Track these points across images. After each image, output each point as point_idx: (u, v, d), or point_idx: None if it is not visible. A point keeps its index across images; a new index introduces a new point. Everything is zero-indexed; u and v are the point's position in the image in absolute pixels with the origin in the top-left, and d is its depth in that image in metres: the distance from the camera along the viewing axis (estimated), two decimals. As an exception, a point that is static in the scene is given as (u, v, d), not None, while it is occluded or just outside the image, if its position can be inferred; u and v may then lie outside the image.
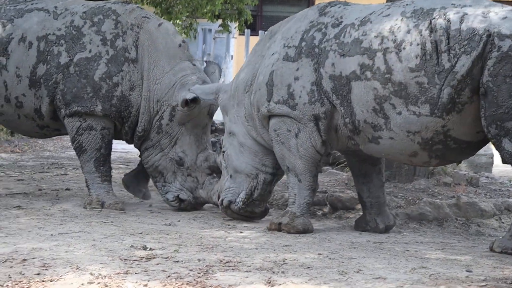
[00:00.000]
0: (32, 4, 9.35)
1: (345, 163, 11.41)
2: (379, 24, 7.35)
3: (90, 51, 8.94)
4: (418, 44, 7.05)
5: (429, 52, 6.98)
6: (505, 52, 6.78)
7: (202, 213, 8.68)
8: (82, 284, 5.29)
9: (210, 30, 27.34)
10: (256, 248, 6.73)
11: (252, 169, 8.20)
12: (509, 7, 7.19)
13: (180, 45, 9.11)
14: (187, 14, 15.41)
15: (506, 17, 6.94)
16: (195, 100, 8.68)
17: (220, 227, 7.77)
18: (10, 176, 11.78)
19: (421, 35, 7.05)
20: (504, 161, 7.00)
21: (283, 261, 6.25)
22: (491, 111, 6.82)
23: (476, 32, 6.88)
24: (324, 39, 7.66)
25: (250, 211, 8.24)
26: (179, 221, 8.05)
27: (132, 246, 6.53)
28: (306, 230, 7.68)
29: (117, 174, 12.26)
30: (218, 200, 8.41)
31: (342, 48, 7.48)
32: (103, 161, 8.97)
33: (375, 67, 7.23)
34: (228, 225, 7.94)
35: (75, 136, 8.93)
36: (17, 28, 9.13)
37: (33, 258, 5.98)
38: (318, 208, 8.67)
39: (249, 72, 8.28)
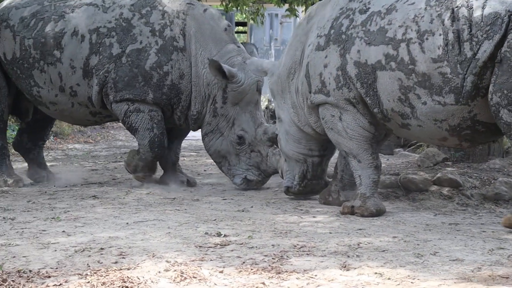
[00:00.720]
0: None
1: (417, 144, 11.37)
2: (404, 13, 7.40)
3: (140, 43, 9.32)
4: (440, 35, 7.09)
5: (451, 42, 7.03)
6: None
7: (274, 198, 8.68)
8: (159, 272, 5.33)
9: (276, 15, 27.35)
10: (330, 233, 6.70)
11: (299, 155, 8.47)
12: None
13: (225, 29, 9.46)
14: (254, 0, 15.43)
15: None
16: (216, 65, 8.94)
17: (293, 212, 7.76)
18: (85, 167, 12.00)
19: (443, 24, 7.09)
20: (502, 131, 7.02)
21: (358, 245, 6.21)
22: (503, 79, 6.82)
23: (498, 16, 6.88)
24: (351, 26, 7.75)
25: (310, 190, 8.57)
26: (251, 207, 8.07)
27: (206, 233, 6.57)
28: (379, 211, 7.69)
29: (189, 162, 12.38)
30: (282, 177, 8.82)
31: (368, 36, 7.55)
32: (158, 142, 9.36)
33: (399, 57, 7.31)
34: (301, 210, 7.93)
35: (124, 118, 9.40)
36: (69, 23, 9.55)
37: (110, 247, 6.06)
38: (391, 191, 8.58)
39: (290, 58, 8.44)
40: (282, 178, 8.92)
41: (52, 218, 7.32)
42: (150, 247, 6.05)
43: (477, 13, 6.97)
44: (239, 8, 15.89)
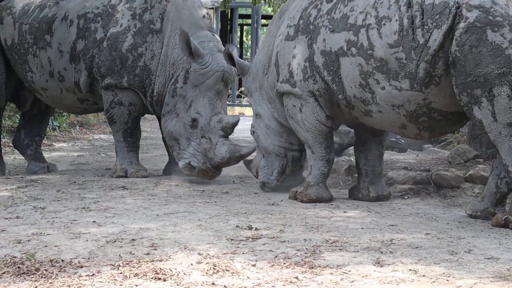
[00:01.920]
0: None
1: (447, 141, 11.28)
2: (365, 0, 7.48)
3: (121, 26, 9.54)
4: (396, 20, 7.18)
5: (406, 28, 7.11)
6: (472, 23, 6.79)
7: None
8: (191, 264, 5.30)
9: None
10: (362, 228, 6.64)
11: (280, 149, 8.58)
12: None
13: (203, 16, 9.64)
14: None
15: None
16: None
17: (324, 207, 7.70)
18: (111, 157, 12.01)
19: (399, 10, 7.18)
20: (477, 128, 7.03)
21: (391, 241, 6.15)
22: (461, 80, 6.85)
23: (446, 6, 6.92)
24: (318, 15, 7.86)
25: (287, 185, 8.59)
26: (282, 201, 8.02)
27: (237, 226, 6.54)
28: (319, 199, 7.96)
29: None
30: (257, 175, 8.91)
31: (332, 24, 7.67)
32: (130, 133, 9.65)
33: (359, 43, 7.42)
34: (332, 204, 7.87)
35: (108, 108, 9.62)
36: (61, 9, 9.84)
37: (142, 238, 6.04)
38: (422, 187, 8.50)
39: (265, 54, 8.60)
40: (256, 177, 9.01)
41: (82, 208, 7.32)
42: (182, 239, 6.02)
43: (429, 1, 7.04)
44: (267, 1, 15.83)
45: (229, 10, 26.17)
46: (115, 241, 5.95)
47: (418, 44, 7.03)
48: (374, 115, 7.56)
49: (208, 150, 9.12)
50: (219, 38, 9.79)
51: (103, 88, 9.58)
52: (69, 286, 4.77)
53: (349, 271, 5.23)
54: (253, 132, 8.81)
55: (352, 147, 10.83)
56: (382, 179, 8.36)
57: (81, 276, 4.98)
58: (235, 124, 9.13)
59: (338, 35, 7.59)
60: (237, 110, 23.96)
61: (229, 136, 9.29)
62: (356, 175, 8.99)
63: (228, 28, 29.91)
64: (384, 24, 7.25)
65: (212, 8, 23.52)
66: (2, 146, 11.06)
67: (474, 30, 6.76)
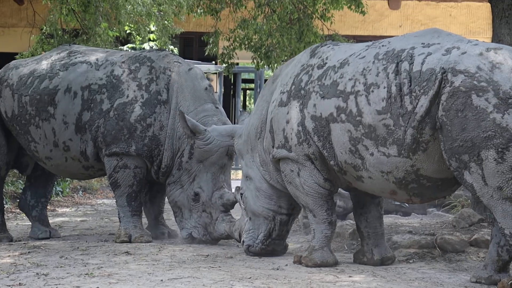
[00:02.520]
0: (75, 57, 10.16)
1: (452, 204, 11.25)
2: (354, 66, 7.62)
3: (127, 96, 9.62)
4: (384, 87, 7.25)
5: (394, 95, 7.18)
6: (457, 87, 6.85)
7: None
8: (196, 331, 5.25)
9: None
10: (368, 293, 6.60)
11: (269, 212, 8.57)
12: (480, 42, 7.23)
13: (206, 88, 9.78)
14: (285, 57, 15.51)
15: (465, 53, 7.01)
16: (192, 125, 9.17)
17: (329, 271, 7.65)
18: (115, 222, 11.97)
19: (388, 78, 7.26)
20: (470, 192, 6.99)
21: (397, 306, 6.10)
22: (448, 145, 6.89)
23: (433, 72, 7.01)
24: (309, 81, 7.99)
25: (271, 250, 8.64)
26: (286, 265, 7.97)
27: (242, 292, 6.50)
28: (324, 263, 7.91)
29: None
30: (240, 238, 8.90)
31: (323, 90, 7.78)
32: (135, 197, 9.65)
33: (348, 109, 7.50)
34: (337, 269, 7.82)
35: (112, 173, 9.64)
36: (63, 80, 9.90)
37: (146, 304, 6.00)
38: (427, 251, 8.45)
39: (258, 118, 8.68)
40: (239, 241, 9.02)
41: (86, 274, 7.27)
42: (186, 305, 5.98)
43: (416, 68, 7.13)
44: (270, 65, 15.97)
45: (233, 75, 26.38)
46: (119, 307, 5.91)
47: (406, 111, 7.09)
48: (365, 180, 7.61)
49: (208, 224, 9.39)
50: (222, 110, 9.92)
51: (106, 156, 9.66)
52: None
53: (356, 337, 5.18)
54: (241, 194, 8.82)
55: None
56: (384, 240, 8.33)
57: None
58: (235, 201, 9.29)
59: (328, 101, 7.70)
60: (240, 173, 23.92)
61: None
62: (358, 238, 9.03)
63: (231, 92, 30.11)
64: (373, 91, 7.34)
65: (216, 73, 23.72)
66: (5, 212, 11.07)
67: (459, 94, 6.82)
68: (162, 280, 6.97)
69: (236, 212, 9.53)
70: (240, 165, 9.19)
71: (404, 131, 7.10)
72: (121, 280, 6.97)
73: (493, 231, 7.27)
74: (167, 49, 20.64)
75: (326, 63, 7.99)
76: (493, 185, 6.71)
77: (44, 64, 10.24)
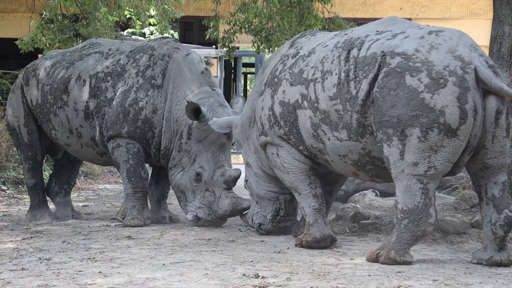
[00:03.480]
0: (92, 48, 10.55)
1: (453, 186, 11.25)
2: (318, 55, 7.88)
3: (127, 84, 9.90)
4: (335, 74, 7.50)
5: (342, 81, 7.42)
6: (393, 68, 7.09)
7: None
8: (198, 314, 5.27)
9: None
10: (369, 275, 6.60)
11: (272, 194, 8.83)
12: (427, 27, 7.43)
13: (202, 72, 9.92)
14: (286, 41, 15.49)
15: (408, 37, 7.24)
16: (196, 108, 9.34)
17: (330, 254, 7.67)
18: (116, 207, 11.98)
19: (339, 65, 7.51)
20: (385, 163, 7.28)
21: (398, 287, 6.11)
22: (377, 119, 7.13)
23: (374, 56, 7.25)
24: (283, 70, 8.25)
25: (283, 226, 8.90)
26: (288, 248, 7.99)
27: (244, 275, 6.50)
28: (323, 236, 8.01)
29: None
30: (252, 223, 9.05)
31: (292, 78, 8.02)
32: (133, 172, 9.78)
33: (309, 96, 7.77)
34: (338, 251, 7.84)
35: (112, 156, 9.94)
36: (76, 69, 10.27)
37: (148, 288, 6.02)
38: (429, 233, 8.45)
39: (250, 107, 8.94)
40: (252, 226, 9.13)
41: (88, 258, 7.28)
42: (188, 289, 5.99)
43: (362, 54, 7.36)
44: (270, 49, 15.95)
45: (233, 59, 26.36)
46: (121, 291, 5.93)
47: (351, 96, 7.34)
48: (331, 163, 7.92)
49: (212, 202, 9.49)
50: (220, 92, 10.09)
51: (106, 142, 9.93)
52: (75, 337, 4.74)
53: (357, 319, 5.20)
54: (246, 181, 9.07)
55: (357, 194, 10.83)
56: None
57: (88, 327, 4.96)
58: (237, 177, 9.50)
59: (295, 88, 7.96)
60: (241, 158, 23.96)
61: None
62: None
63: (232, 76, 30.09)
64: (327, 78, 7.60)
65: (216, 57, 23.70)
66: (6, 198, 11.27)
67: (394, 74, 7.07)
68: (164, 264, 6.99)
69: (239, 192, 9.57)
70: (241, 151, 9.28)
71: (350, 115, 7.36)
72: (123, 265, 6.99)
73: (482, 212, 7.31)
74: (167, 33, 20.69)
75: (299, 52, 8.26)
76: (409, 160, 6.97)
77: (67, 56, 10.69)
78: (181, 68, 9.89)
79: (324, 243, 7.99)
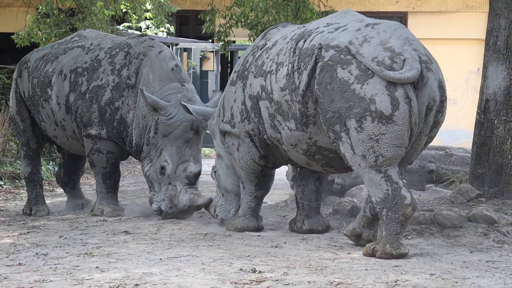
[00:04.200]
0: (77, 42, 10.71)
1: (449, 180, 11.27)
2: (277, 47, 8.04)
3: (101, 80, 10.03)
4: (285, 66, 7.67)
5: (290, 73, 7.58)
6: (326, 62, 7.23)
7: (307, 235, 8.58)
8: (196, 309, 5.27)
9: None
10: (366, 269, 6.61)
11: (239, 188, 8.90)
12: (368, 20, 7.58)
13: (172, 69, 10.06)
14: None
15: (346, 29, 7.40)
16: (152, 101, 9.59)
17: (327, 248, 7.67)
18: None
19: (289, 56, 7.67)
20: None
21: (395, 282, 6.12)
22: (324, 117, 7.29)
23: (313, 48, 7.40)
24: (252, 62, 8.38)
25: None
26: (285, 243, 7.99)
27: (241, 269, 6.51)
28: (244, 228, 8.57)
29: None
30: (215, 213, 9.28)
31: (256, 70, 8.17)
32: (109, 177, 10.16)
33: (266, 87, 7.96)
34: (335, 246, 7.84)
35: (89, 154, 10.16)
36: (59, 63, 10.42)
37: (145, 283, 6.01)
38: (425, 227, 8.45)
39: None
40: (214, 217, 9.33)
41: (85, 253, 7.29)
42: (185, 284, 6.00)
43: (305, 46, 7.51)
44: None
45: (229, 53, 26.32)
46: (118, 286, 5.92)
47: (295, 86, 7.50)
48: (288, 153, 8.13)
49: (173, 196, 9.73)
50: (191, 87, 10.22)
51: (84, 136, 10.11)
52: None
53: (355, 313, 5.21)
54: (214, 172, 9.22)
55: (354, 188, 10.83)
56: (318, 213, 8.73)
57: (85, 323, 4.96)
58: (198, 174, 9.75)
59: (257, 80, 8.12)
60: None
61: None
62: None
63: (229, 70, 30.04)
64: (279, 70, 7.77)
65: (213, 51, 23.66)
66: (3, 193, 11.33)
67: (327, 68, 7.22)
68: (161, 259, 7.00)
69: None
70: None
71: (295, 106, 7.53)
72: (120, 259, 6.99)
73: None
74: (163, 27, 20.66)
75: (266, 44, 8.38)
76: (358, 154, 7.10)
77: (55, 48, 10.84)
78: (153, 66, 10.03)
79: (246, 230, 8.56)
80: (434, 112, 7.24)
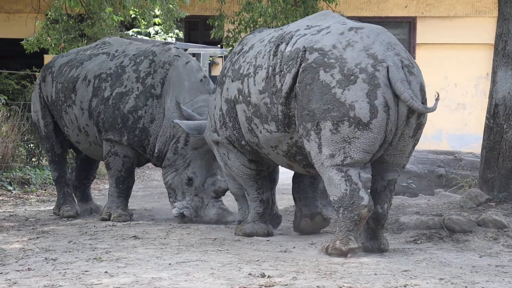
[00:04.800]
0: (102, 48, 10.74)
1: (459, 185, 11.24)
2: (254, 50, 8.13)
3: (125, 87, 10.06)
4: (265, 68, 7.73)
5: (270, 75, 7.64)
6: (309, 63, 7.33)
7: (316, 239, 8.57)
8: (205, 313, 5.27)
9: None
10: (375, 274, 6.60)
11: (241, 191, 8.97)
12: (351, 23, 7.62)
13: (201, 80, 10.08)
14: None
15: (329, 32, 7.48)
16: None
17: (336, 253, 7.66)
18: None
19: (269, 59, 7.73)
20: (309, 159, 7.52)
21: (404, 286, 6.11)
22: (299, 113, 7.40)
23: (298, 51, 7.46)
24: (229, 67, 8.43)
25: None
26: (294, 247, 7.98)
27: (250, 274, 6.50)
28: (252, 233, 8.56)
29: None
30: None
31: (233, 74, 8.22)
32: (122, 181, 10.21)
33: (243, 91, 8.01)
34: (344, 251, 7.82)
35: (106, 156, 10.21)
36: (84, 69, 10.49)
37: (154, 288, 6.02)
38: (435, 232, 8.44)
39: None
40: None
41: (94, 258, 7.29)
42: (194, 288, 6.00)
43: (288, 49, 7.57)
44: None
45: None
46: (127, 291, 5.93)
47: (277, 89, 7.57)
48: (268, 156, 8.13)
49: (199, 208, 9.77)
50: None
51: (103, 139, 10.16)
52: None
53: (364, 318, 5.19)
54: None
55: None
56: (315, 202, 8.81)
57: (94, 327, 4.96)
58: (226, 189, 9.69)
59: (234, 84, 8.17)
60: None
61: None
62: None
63: (237, 76, 30.05)
64: (257, 72, 7.83)
65: (221, 57, 23.68)
66: (13, 198, 11.43)
67: (310, 70, 7.32)
68: (170, 264, 7.00)
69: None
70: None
71: (277, 108, 7.58)
72: (129, 264, 7.00)
73: None
74: (172, 33, 20.68)
75: (242, 49, 8.45)
76: (326, 153, 7.22)
77: (80, 54, 10.90)
78: (180, 77, 10.06)
79: (255, 235, 8.55)
80: (416, 114, 7.31)
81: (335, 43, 7.35)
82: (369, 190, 7.49)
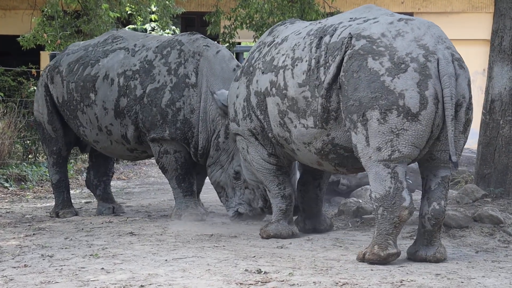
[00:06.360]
0: (116, 43, 10.41)
1: (455, 181, 11.25)
2: (290, 42, 7.88)
3: (158, 82, 9.80)
4: (306, 61, 7.48)
5: (312, 68, 7.38)
6: (356, 50, 7.05)
7: (312, 235, 8.58)
8: (201, 309, 5.27)
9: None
10: (372, 270, 6.61)
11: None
12: (399, 15, 7.39)
13: (234, 69, 9.77)
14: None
15: (378, 22, 7.23)
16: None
17: (333, 249, 7.67)
18: (119, 203, 11.95)
19: (310, 52, 7.50)
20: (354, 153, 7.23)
21: (401, 282, 6.12)
22: (345, 104, 7.10)
23: (343, 39, 7.22)
24: (258, 58, 8.25)
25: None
26: (290, 243, 7.99)
27: (246, 270, 6.51)
28: (277, 235, 8.28)
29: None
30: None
31: (264, 66, 8.02)
32: (183, 179, 9.88)
33: (277, 83, 7.75)
34: (340, 246, 7.84)
35: (158, 159, 9.92)
36: (102, 67, 10.16)
37: (150, 284, 6.02)
38: (431, 227, 8.44)
39: None
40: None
41: (91, 255, 7.30)
42: (191, 285, 6.00)
43: (333, 40, 7.34)
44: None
45: (235, 55, 26.35)
46: (123, 287, 5.93)
47: (320, 81, 7.31)
48: (296, 152, 7.92)
49: (252, 200, 9.43)
50: None
51: (149, 141, 9.90)
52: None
53: (360, 313, 5.20)
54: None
55: (359, 189, 10.82)
56: (320, 215, 8.72)
57: (90, 324, 4.96)
58: None
59: (265, 76, 7.96)
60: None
61: None
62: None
63: (233, 72, 30.05)
64: (297, 65, 7.58)
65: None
66: (9, 195, 11.27)
67: (357, 57, 7.04)
68: (166, 260, 7.00)
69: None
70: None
71: (317, 102, 7.34)
72: (126, 261, 7.00)
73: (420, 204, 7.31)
74: (168, 29, 20.67)
75: (274, 40, 8.26)
76: (373, 146, 6.93)
77: (89, 51, 10.56)
78: (213, 67, 9.77)
79: (280, 237, 8.27)
80: (465, 109, 7.05)
81: (384, 31, 7.08)
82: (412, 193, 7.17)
